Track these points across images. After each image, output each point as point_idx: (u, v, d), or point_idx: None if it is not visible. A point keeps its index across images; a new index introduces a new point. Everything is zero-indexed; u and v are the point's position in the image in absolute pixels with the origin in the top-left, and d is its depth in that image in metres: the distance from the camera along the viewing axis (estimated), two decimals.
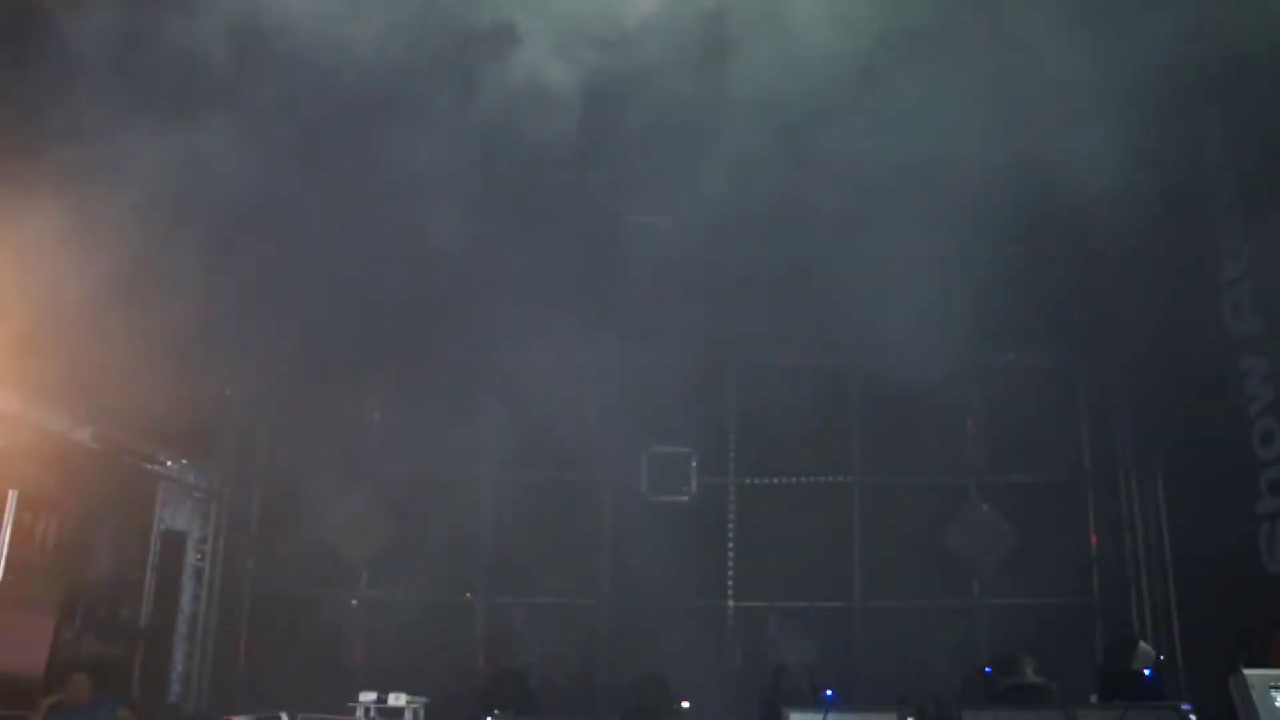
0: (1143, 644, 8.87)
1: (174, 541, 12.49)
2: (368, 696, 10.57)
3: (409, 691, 10.66)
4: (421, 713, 10.76)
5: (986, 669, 8.38)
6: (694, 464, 13.02)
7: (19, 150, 7.91)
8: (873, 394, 13.02)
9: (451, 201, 11.01)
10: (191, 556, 12.90)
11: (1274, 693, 5.55)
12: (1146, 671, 8.19)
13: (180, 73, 8.02)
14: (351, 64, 8.13)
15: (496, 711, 9.46)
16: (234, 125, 8.46)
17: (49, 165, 8.03)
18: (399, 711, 10.56)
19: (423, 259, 12.31)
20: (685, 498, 12.93)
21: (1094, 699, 8.33)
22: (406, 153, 9.36)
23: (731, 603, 12.82)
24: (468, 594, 12.88)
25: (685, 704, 10.61)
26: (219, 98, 8.28)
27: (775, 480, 13.06)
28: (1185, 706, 6.52)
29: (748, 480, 13.15)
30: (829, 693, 9.55)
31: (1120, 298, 11.63)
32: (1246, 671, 5.67)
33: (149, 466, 12.07)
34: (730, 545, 13.01)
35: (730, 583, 12.88)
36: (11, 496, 9.22)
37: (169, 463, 12.35)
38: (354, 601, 12.96)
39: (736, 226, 11.51)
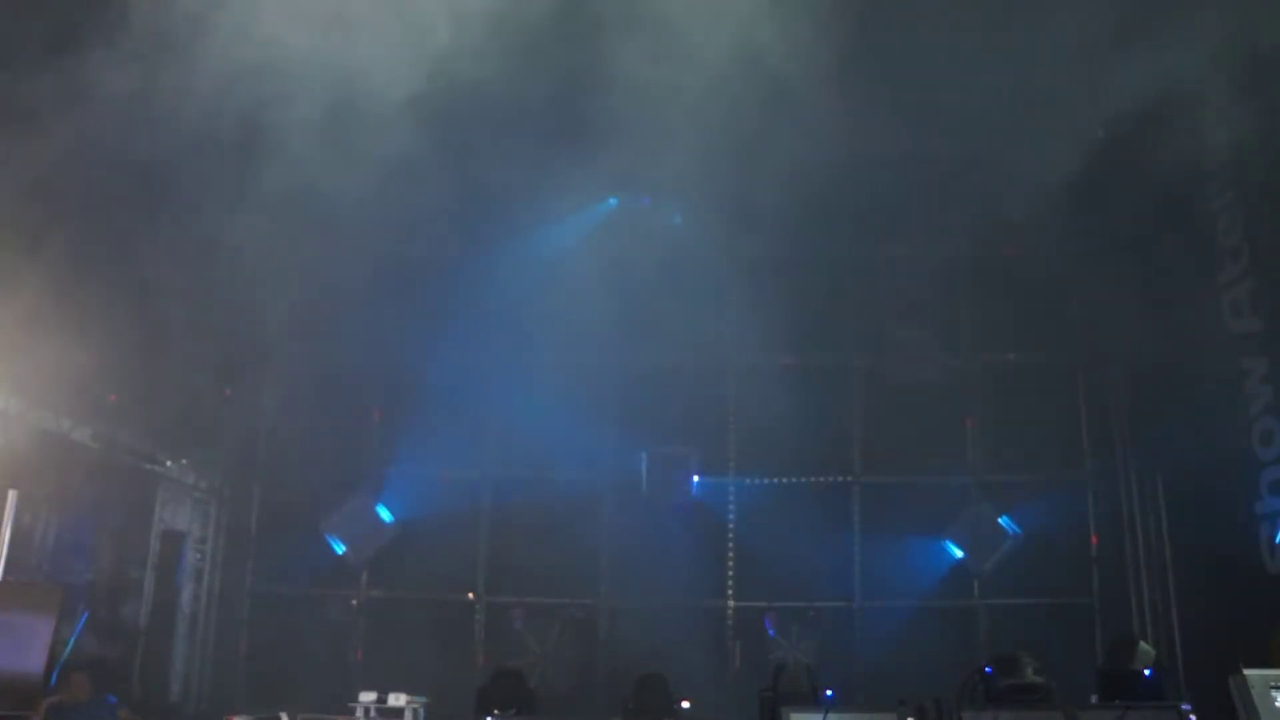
0: (1143, 644, 8.84)
1: (174, 541, 12.48)
2: (368, 696, 10.58)
3: (409, 691, 10.67)
4: (421, 713, 10.76)
5: (986, 669, 8.36)
6: (694, 464, 13.03)
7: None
8: (873, 394, 13.02)
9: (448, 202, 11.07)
10: (191, 556, 12.90)
11: (1274, 693, 5.55)
12: (1146, 671, 8.17)
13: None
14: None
15: (496, 711, 9.46)
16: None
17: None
18: (399, 711, 10.56)
19: (423, 258, 12.38)
20: (685, 498, 12.93)
21: (1094, 699, 8.31)
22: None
23: (731, 603, 12.82)
24: (470, 595, 12.89)
25: (685, 704, 10.60)
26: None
27: (775, 480, 13.07)
28: (1185, 706, 6.51)
29: (748, 480, 13.16)
30: (829, 693, 9.54)
31: (1120, 297, 11.63)
32: (1246, 671, 5.67)
33: (149, 466, 12.07)
34: (730, 545, 13.02)
35: (730, 583, 12.88)
36: (11, 496, 9.21)
37: (169, 463, 12.35)
38: (354, 601, 12.97)
39: (738, 226, 11.53)
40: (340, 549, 12.98)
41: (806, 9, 8.32)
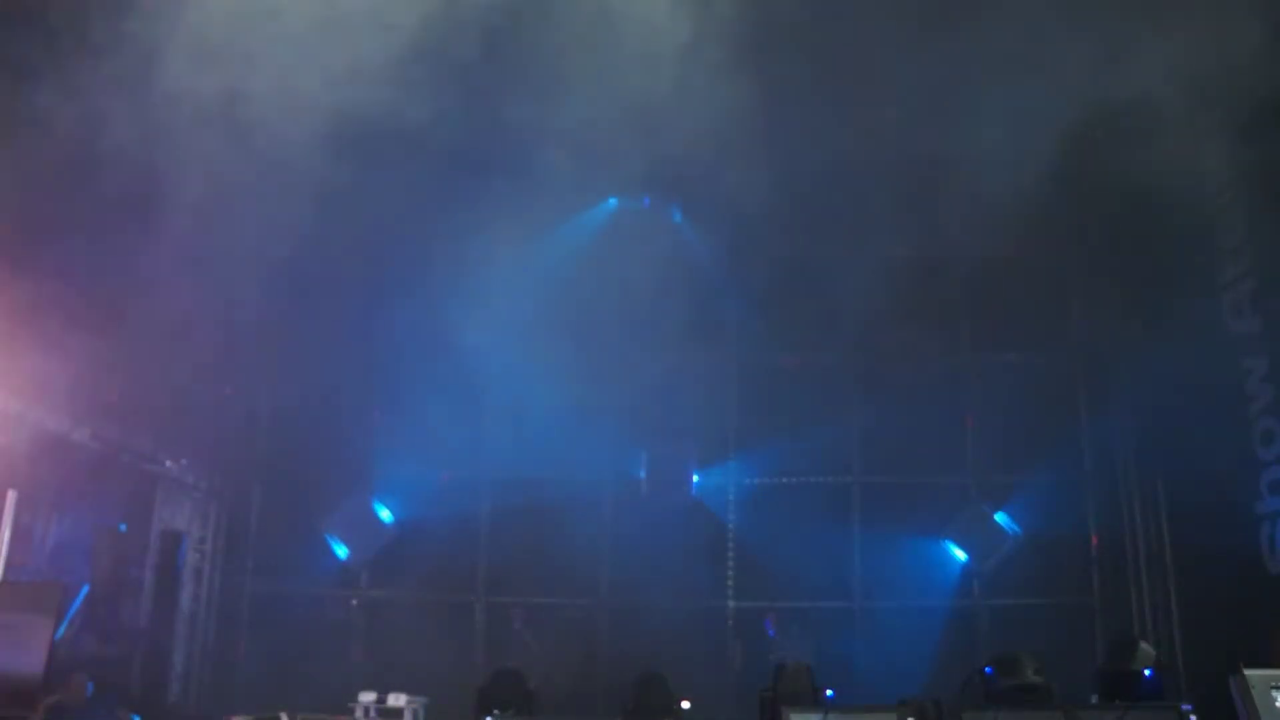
0: (1143, 644, 8.85)
1: (173, 541, 12.47)
2: (368, 696, 10.57)
3: (409, 691, 10.66)
4: (421, 713, 10.75)
5: (986, 669, 8.38)
6: (694, 463, 13.03)
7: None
8: (873, 394, 13.02)
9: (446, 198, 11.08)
10: (191, 556, 12.90)
11: (1274, 693, 5.54)
12: (1146, 671, 8.18)
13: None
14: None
15: (496, 711, 9.46)
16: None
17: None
18: (399, 711, 10.55)
19: (423, 259, 12.38)
20: (685, 498, 12.93)
21: (1094, 699, 8.33)
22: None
23: (731, 603, 12.82)
24: (471, 595, 12.89)
25: (685, 704, 10.60)
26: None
27: (775, 480, 13.07)
28: (1185, 706, 6.51)
29: (748, 480, 13.16)
30: (829, 693, 9.55)
31: (1120, 297, 11.63)
32: (1247, 671, 5.67)
33: (149, 466, 12.06)
34: (730, 545, 13.01)
35: (730, 583, 12.88)
36: (11, 496, 9.21)
37: (168, 462, 12.34)
38: (354, 601, 12.97)
39: (739, 226, 11.54)
40: (340, 549, 12.98)
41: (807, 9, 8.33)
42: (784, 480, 13.04)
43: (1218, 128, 9.68)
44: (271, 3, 8.01)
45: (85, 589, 10.46)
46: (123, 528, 11.52)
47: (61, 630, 9.23)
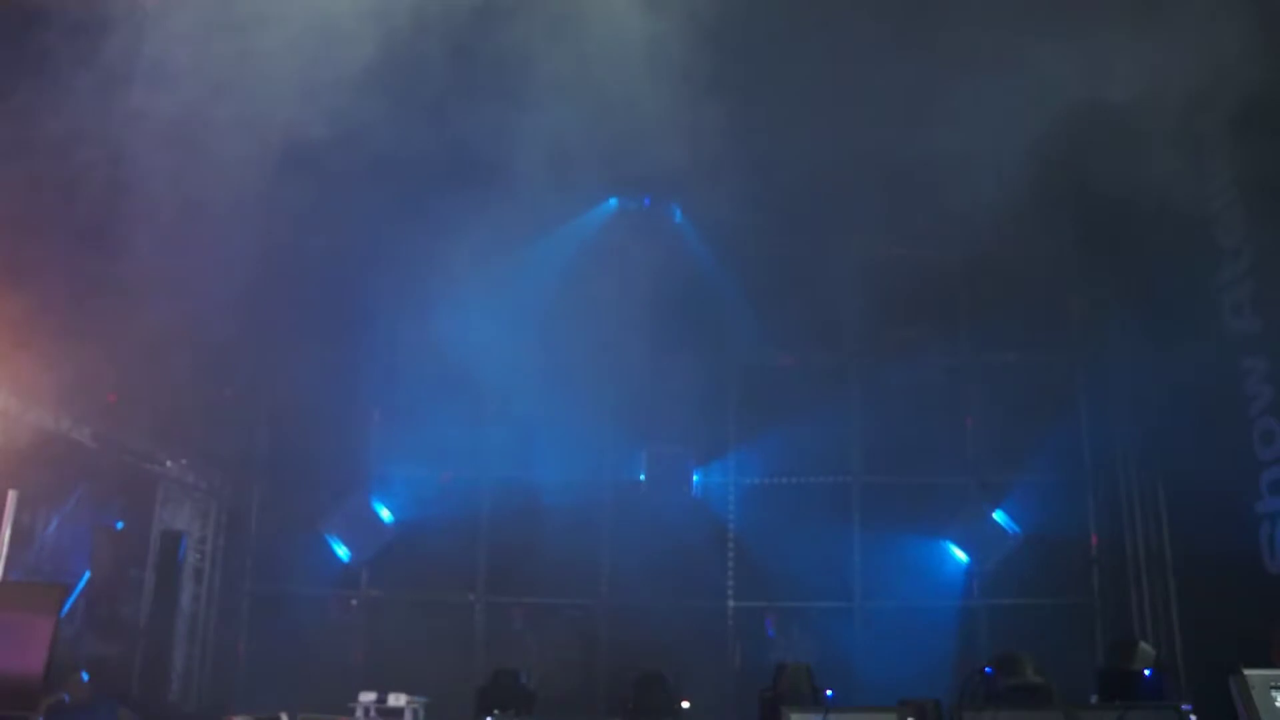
0: (1143, 644, 8.85)
1: (173, 541, 12.48)
2: (368, 696, 10.58)
3: (409, 691, 10.67)
4: (421, 713, 10.76)
5: (986, 669, 8.38)
6: (693, 463, 13.03)
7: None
8: (873, 394, 13.03)
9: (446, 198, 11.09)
10: (191, 556, 12.90)
11: (1274, 693, 5.53)
12: (1146, 671, 8.18)
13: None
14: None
15: (496, 711, 9.46)
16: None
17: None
18: (399, 711, 10.56)
19: (423, 258, 12.39)
20: (685, 497, 12.94)
21: (1094, 699, 8.33)
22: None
23: (731, 603, 12.82)
24: (471, 595, 12.89)
25: (685, 704, 10.59)
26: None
27: (775, 480, 13.07)
28: (1185, 706, 6.51)
29: (748, 480, 13.16)
30: (829, 693, 9.55)
31: (1120, 297, 11.63)
32: (1247, 671, 5.66)
33: (149, 466, 12.06)
34: (730, 545, 13.02)
35: (730, 583, 12.88)
36: (11, 496, 9.21)
37: (169, 463, 12.34)
38: (354, 601, 12.97)
39: (738, 226, 11.54)
40: (340, 549, 12.99)
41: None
42: (784, 480, 13.05)
43: (1217, 128, 9.69)
44: (268, 8, 8.03)
45: (86, 575, 10.46)
46: (119, 525, 11.52)
47: (61, 614, 9.23)
